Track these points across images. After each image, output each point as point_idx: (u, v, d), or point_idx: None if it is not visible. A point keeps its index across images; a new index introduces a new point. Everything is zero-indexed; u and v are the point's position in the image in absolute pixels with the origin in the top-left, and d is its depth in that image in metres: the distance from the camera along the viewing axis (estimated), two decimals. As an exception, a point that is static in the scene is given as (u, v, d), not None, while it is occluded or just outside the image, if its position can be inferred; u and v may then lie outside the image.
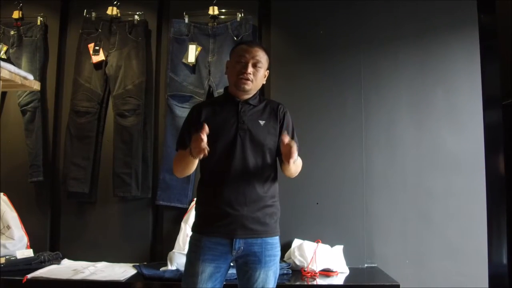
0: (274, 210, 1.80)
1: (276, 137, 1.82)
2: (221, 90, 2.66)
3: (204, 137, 1.59)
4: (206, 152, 1.61)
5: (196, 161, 1.72)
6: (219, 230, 1.73)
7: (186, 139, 1.79)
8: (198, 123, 1.79)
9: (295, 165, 1.79)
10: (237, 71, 1.78)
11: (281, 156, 1.77)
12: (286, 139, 1.67)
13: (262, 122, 1.80)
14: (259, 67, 1.80)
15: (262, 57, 1.81)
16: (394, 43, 2.78)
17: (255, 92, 1.85)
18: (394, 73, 2.78)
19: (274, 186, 1.83)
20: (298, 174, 1.91)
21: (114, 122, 2.78)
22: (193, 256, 1.76)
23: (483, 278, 2.60)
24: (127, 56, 2.80)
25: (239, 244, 1.73)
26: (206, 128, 1.61)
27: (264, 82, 1.89)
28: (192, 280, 1.73)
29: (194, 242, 1.78)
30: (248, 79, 1.77)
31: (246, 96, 1.83)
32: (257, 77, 1.80)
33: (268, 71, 1.88)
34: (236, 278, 1.84)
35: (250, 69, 1.77)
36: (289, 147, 1.65)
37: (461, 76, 2.74)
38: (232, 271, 1.89)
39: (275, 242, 1.80)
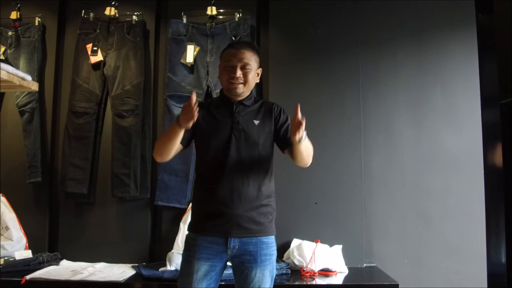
0: (269, 209, 1.81)
1: (271, 136, 1.83)
2: (219, 91, 2.67)
3: (194, 103, 1.63)
4: (195, 118, 1.65)
5: (180, 137, 1.71)
6: (214, 229, 1.74)
7: None
8: (193, 123, 1.79)
9: (305, 147, 1.74)
10: (227, 76, 1.79)
11: (284, 146, 1.82)
12: (299, 114, 1.65)
13: (256, 122, 1.81)
14: (248, 69, 1.79)
15: (250, 58, 1.80)
16: (392, 43, 2.79)
17: (248, 92, 1.85)
18: (393, 73, 2.78)
19: (270, 185, 1.83)
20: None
21: (112, 122, 2.78)
22: (188, 254, 1.77)
23: (482, 277, 2.60)
24: (125, 57, 2.79)
25: (234, 243, 1.73)
26: (194, 97, 1.65)
27: (258, 81, 1.88)
28: (187, 279, 1.73)
29: (189, 241, 1.79)
30: (238, 83, 1.78)
31: (241, 97, 1.84)
32: (248, 78, 1.80)
33: (260, 69, 1.87)
34: (233, 278, 1.84)
35: (238, 73, 1.78)
36: (299, 122, 1.64)
37: (459, 76, 2.75)
38: (229, 271, 1.89)
39: (271, 241, 1.80)
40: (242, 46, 1.83)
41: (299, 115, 1.65)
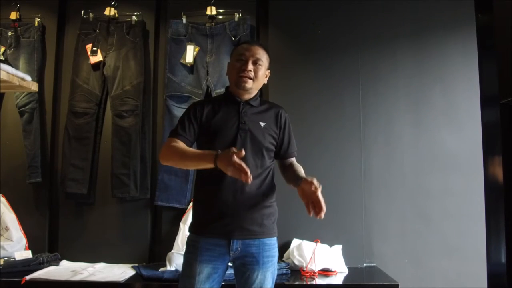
0: (271, 211, 1.81)
1: (274, 139, 1.83)
2: (219, 91, 2.68)
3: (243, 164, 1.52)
4: (248, 179, 1.51)
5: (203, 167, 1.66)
6: (216, 231, 1.73)
7: (186, 127, 1.76)
8: (200, 118, 1.78)
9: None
10: (237, 69, 1.78)
11: (280, 159, 1.86)
12: (313, 189, 1.62)
13: (262, 124, 1.80)
14: (259, 65, 1.79)
15: (263, 55, 1.81)
16: (392, 43, 2.79)
17: (256, 91, 1.85)
18: (392, 73, 2.78)
19: (272, 187, 1.83)
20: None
21: (112, 123, 2.78)
22: (190, 257, 1.76)
23: (482, 277, 2.60)
24: (125, 57, 2.79)
25: (237, 245, 1.73)
26: (242, 153, 1.53)
27: (266, 82, 1.89)
28: (189, 281, 1.73)
29: (191, 243, 1.78)
30: (248, 77, 1.77)
31: (247, 96, 1.82)
32: (258, 75, 1.79)
33: (269, 71, 1.88)
34: (234, 279, 1.84)
35: (250, 67, 1.77)
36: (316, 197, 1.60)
37: (459, 75, 2.75)
38: (230, 271, 1.88)
39: (273, 243, 1.80)
40: (256, 43, 1.87)
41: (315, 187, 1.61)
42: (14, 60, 2.83)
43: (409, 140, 2.73)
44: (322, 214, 1.60)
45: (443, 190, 2.68)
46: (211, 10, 2.79)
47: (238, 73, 1.78)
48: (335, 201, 2.67)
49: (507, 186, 2.79)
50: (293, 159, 1.91)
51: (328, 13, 2.79)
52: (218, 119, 1.79)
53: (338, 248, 2.59)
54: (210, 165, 1.60)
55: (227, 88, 1.89)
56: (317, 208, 1.61)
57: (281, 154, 1.88)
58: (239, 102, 1.81)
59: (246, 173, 1.50)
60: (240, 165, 1.51)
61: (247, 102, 1.82)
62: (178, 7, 2.85)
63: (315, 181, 1.63)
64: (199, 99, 2.71)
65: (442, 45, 2.76)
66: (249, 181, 1.51)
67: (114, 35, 2.82)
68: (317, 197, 1.61)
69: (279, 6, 2.82)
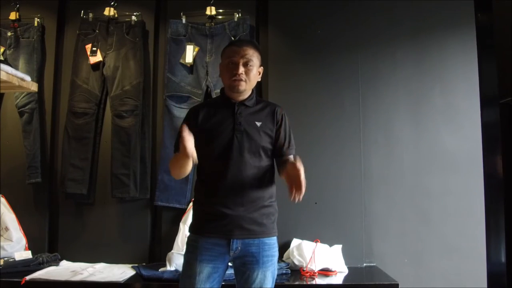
0: (271, 210, 1.81)
1: (272, 138, 1.82)
2: (219, 91, 2.67)
3: (188, 142, 1.58)
4: (194, 155, 1.59)
5: (191, 162, 1.66)
6: (216, 231, 1.73)
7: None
8: (195, 125, 1.79)
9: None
10: (229, 73, 1.78)
11: (277, 157, 1.82)
12: (296, 168, 1.59)
13: (258, 123, 1.80)
14: (250, 65, 1.78)
15: (253, 55, 1.79)
16: (392, 43, 2.79)
17: (250, 91, 1.85)
18: (392, 73, 2.78)
19: (271, 186, 1.83)
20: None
21: (112, 123, 2.78)
22: (190, 256, 1.76)
23: (482, 276, 2.60)
24: (124, 57, 2.79)
25: (236, 244, 1.73)
26: (186, 130, 1.59)
27: (259, 79, 1.88)
28: (189, 280, 1.73)
29: (191, 243, 1.79)
30: (241, 80, 1.76)
31: (242, 97, 1.82)
32: (250, 76, 1.79)
33: (262, 67, 1.87)
34: (234, 278, 1.84)
35: (241, 70, 1.76)
36: (298, 178, 1.58)
37: (458, 75, 2.75)
38: (231, 271, 1.89)
39: (273, 242, 1.80)
40: (244, 43, 1.83)
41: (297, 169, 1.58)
42: (13, 60, 2.82)
43: (408, 140, 2.73)
44: (301, 197, 1.60)
45: (443, 190, 2.68)
46: (211, 10, 2.79)
47: (230, 78, 1.78)
48: (335, 201, 2.68)
49: (506, 185, 2.79)
50: (291, 157, 1.85)
51: (328, 13, 2.79)
52: (214, 121, 1.80)
53: (338, 248, 2.59)
54: (187, 158, 1.62)
55: (222, 90, 1.90)
56: (297, 189, 1.59)
57: (279, 152, 1.83)
58: (234, 103, 1.81)
59: (185, 147, 1.56)
60: (183, 143, 1.57)
61: (242, 102, 1.82)
62: (177, 7, 2.85)
63: (298, 161, 1.60)
64: (199, 99, 2.72)
65: (442, 45, 2.76)
66: (191, 159, 1.59)
67: (114, 35, 2.82)
68: (299, 177, 1.58)
69: (279, 6, 2.82)
